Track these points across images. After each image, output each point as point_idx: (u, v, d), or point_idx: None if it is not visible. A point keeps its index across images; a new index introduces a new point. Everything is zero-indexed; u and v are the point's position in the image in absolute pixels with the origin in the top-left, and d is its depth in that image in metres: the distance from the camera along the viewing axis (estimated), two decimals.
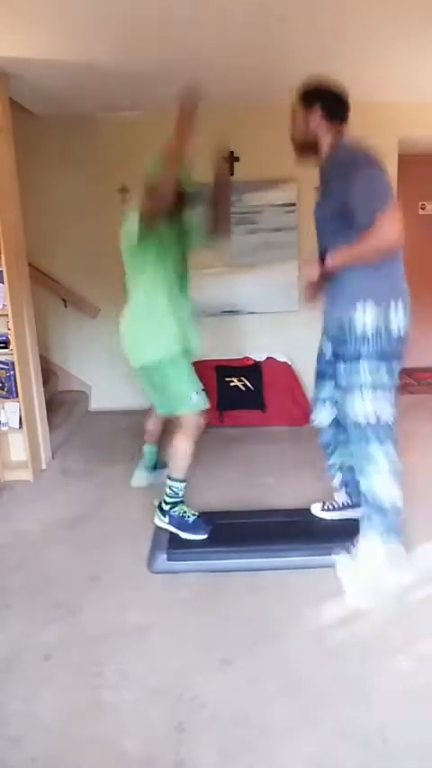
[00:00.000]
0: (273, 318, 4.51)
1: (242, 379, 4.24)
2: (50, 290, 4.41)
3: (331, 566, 2.29)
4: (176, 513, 2.46)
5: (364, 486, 2.15)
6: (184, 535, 2.43)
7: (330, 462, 2.50)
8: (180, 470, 2.45)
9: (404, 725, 1.59)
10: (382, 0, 2.40)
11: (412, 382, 5.18)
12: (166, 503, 2.48)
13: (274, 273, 4.38)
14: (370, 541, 2.17)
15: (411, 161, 4.63)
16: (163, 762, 1.50)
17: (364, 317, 2.01)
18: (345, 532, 2.41)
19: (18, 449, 3.37)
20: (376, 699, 1.68)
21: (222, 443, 3.80)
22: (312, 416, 2.44)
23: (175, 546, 2.39)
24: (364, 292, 2.01)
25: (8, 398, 3.20)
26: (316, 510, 2.58)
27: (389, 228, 1.84)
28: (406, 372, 5.38)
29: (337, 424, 2.35)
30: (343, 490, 2.53)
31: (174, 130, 2.08)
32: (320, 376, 2.36)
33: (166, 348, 2.38)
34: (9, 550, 2.57)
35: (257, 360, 4.36)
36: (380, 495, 2.11)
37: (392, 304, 2.02)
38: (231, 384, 4.23)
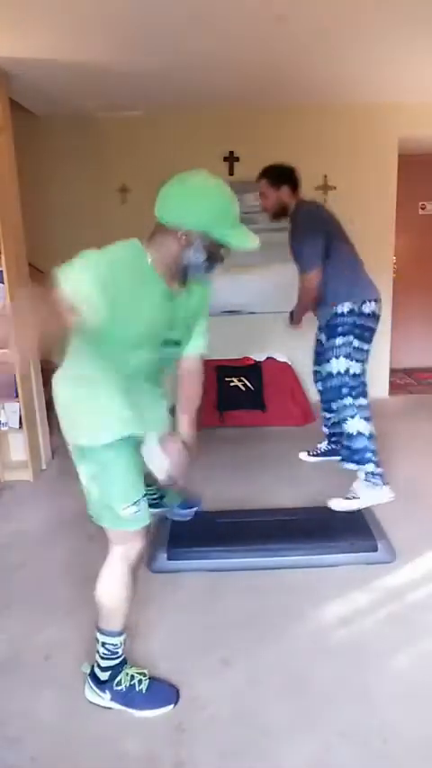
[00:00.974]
0: (273, 318, 4.50)
1: (242, 379, 4.24)
2: None
3: (331, 565, 2.29)
4: (119, 683, 1.67)
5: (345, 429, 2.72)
6: (139, 713, 1.65)
7: (325, 415, 3.20)
8: (113, 619, 1.66)
9: (404, 725, 1.59)
10: (382, 1, 2.40)
11: (412, 382, 5.18)
12: (102, 668, 1.68)
13: (274, 273, 4.38)
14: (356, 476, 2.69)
15: (411, 161, 4.63)
16: (163, 762, 1.50)
17: (343, 309, 2.70)
18: (345, 532, 2.42)
19: (18, 449, 3.37)
20: (376, 699, 1.68)
21: (222, 443, 3.80)
22: (316, 386, 3.14)
23: (176, 545, 2.38)
24: (339, 296, 2.71)
25: (8, 398, 3.20)
26: (303, 455, 3.37)
27: (306, 288, 2.79)
28: (406, 372, 5.38)
29: None
30: (326, 441, 3.31)
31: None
32: (318, 354, 3.08)
33: (96, 432, 1.55)
34: (9, 550, 2.57)
35: (257, 360, 4.36)
36: (356, 429, 2.66)
37: (354, 305, 2.67)
38: (231, 384, 4.22)
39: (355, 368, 2.67)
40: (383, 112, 4.14)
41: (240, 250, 1.45)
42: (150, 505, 1.75)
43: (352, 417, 2.64)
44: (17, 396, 3.18)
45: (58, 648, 1.93)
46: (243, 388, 4.22)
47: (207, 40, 2.80)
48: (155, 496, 2.01)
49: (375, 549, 2.33)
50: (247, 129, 4.19)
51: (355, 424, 2.63)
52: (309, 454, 3.37)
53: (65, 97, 3.70)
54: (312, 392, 4.34)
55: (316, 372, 3.12)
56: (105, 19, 2.51)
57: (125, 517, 1.58)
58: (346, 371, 2.66)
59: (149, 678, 1.70)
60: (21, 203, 3.34)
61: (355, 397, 2.65)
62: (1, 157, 3.11)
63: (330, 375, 2.71)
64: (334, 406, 2.80)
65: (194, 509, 1.97)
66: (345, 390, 2.66)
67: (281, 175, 2.81)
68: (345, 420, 2.67)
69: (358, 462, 2.64)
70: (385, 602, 2.09)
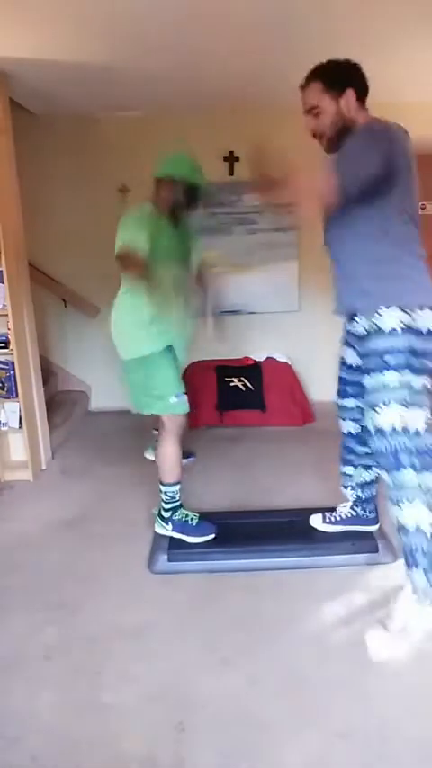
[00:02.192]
0: (273, 318, 4.51)
1: (242, 379, 4.24)
2: (50, 290, 4.41)
3: (332, 566, 2.29)
4: (177, 518, 2.42)
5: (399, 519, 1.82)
6: (190, 539, 2.38)
7: (345, 471, 2.31)
8: (171, 474, 2.39)
9: (404, 725, 1.59)
10: (382, 1, 2.40)
11: None
12: (165, 509, 2.42)
13: (274, 273, 4.38)
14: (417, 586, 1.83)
15: None
16: (163, 762, 1.50)
17: (391, 321, 1.75)
18: (345, 533, 2.41)
19: (18, 449, 3.37)
20: (376, 699, 1.68)
21: (222, 443, 3.80)
22: (340, 424, 2.26)
23: (176, 546, 2.38)
24: (389, 297, 1.77)
25: (8, 398, 3.20)
26: (316, 522, 2.40)
27: (321, 186, 1.65)
28: None
29: (360, 436, 2.16)
30: (349, 505, 2.37)
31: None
32: (343, 382, 2.16)
33: (149, 345, 2.31)
34: (9, 550, 2.57)
35: (257, 360, 4.36)
36: (414, 521, 1.77)
37: (405, 314, 1.76)
38: (231, 384, 4.22)
39: (417, 421, 1.76)
40: (384, 112, 4.11)
41: (203, 187, 2.34)
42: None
43: (410, 502, 1.74)
44: (17, 396, 3.18)
45: (58, 648, 1.93)
46: (243, 388, 4.22)
47: (207, 40, 2.80)
48: None
49: (376, 550, 2.33)
50: (247, 129, 4.19)
51: (413, 514, 1.75)
52: (324, 521, 2.40)
53: (65, 97, 3.70)
54: (312, 392, 4.37)
55: (341, 408, 2.21)
56: (105, 19, 2.51)
57: (174, 404, 2.32)
58: (404, 429, 1.75)
59: (198, 517, 2.42)
60: (21, 203, 3.34)
61: (419, 471, 1.76)
62: (1, 157, 3.11)
63: (380, 433, 1.78)
64: (387, 479, 1.83)
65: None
66: (404, 459, 1.75)
67: (342, 73, 1.85)
68: (398, 503, 1.78)
69: (408, 565, 1.84)
70: (385, 603, 2.09)
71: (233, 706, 1.67)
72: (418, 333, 1.75)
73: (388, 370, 1.76)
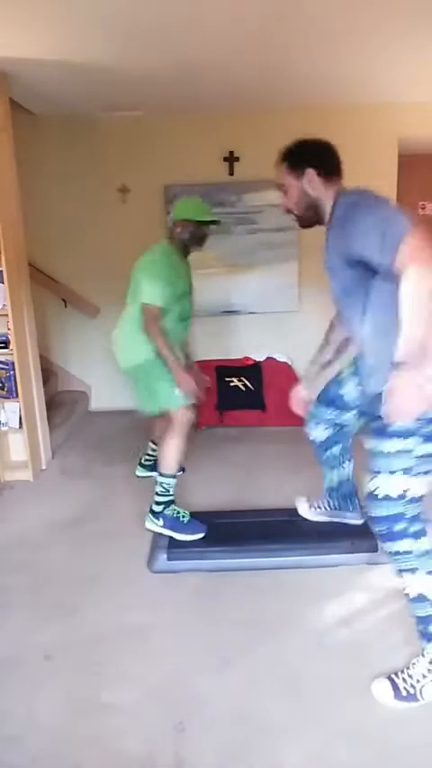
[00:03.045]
0: (273, 318, 4.51)
1: (242, 379, 4.24)
2: (50, 290, 4.41)
3: (331, 565, 2.29)
4: (169, 513, 2.45)
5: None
6: (179, 536, 2.41)
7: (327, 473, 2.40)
8: (171, 466, 2.46)
9: (404, 725, 1.59)
10: (382, 1, 2.40)
11: None
12: (158, 502, 2.47)
13: (274, 273, 4.38)
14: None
15: (411, 161, 4.62)
16: (163, 762, 1.50)
17: None
18: (345, 532, 2.41)
19: (18, 449, 3.37)
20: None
21: (222, 443, 3.80)
22: (309, 429, 2.34)
23: (176, 546, 2.39)
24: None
25: (8, 398, 3.20)
26: (302, 508, 2.48)
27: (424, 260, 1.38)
28: None
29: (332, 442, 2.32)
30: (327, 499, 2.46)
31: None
32: (329, 396, 2.16)
33: (153, 350, 2.49)
34: (9, 550, 2.57)
35: (257, 360, 4.36)
36: (417, 591, 1.68)
37: None
38: (231, 384, 4.22)
39: (418, 487, 1.64)
40: (383, 112, 4.14)
41: (209, 224, 2.61)
42: (147, 467, 3.18)
43: (412, 573, 1.65)
44: (17, 396, 3.18)
45: (58, 648, 1.93)
46: (243, 388, 4.22)
47: (207, 40, 2.80)
48: (153, 459, 3.08)
49: (376, 550, 2.33)
50: (247, 129, 4.19)
51: (418, 584, 1.65)
52: (311, 507, 2.50)
53: (65, 97, 3.70)
54: (312, 392, 4.36)
55: (315, 415, 2.26)
56: (105, 19, 2.50)
57: (179, 395, 2.46)
58: (403, 495, 1.63)
59: (189, 515, 2.47)
60: (21, 203, 3.34)
61: (416, 537, 1.65)
62: (1, 157, 3.11)
63: (374, 497, 1.66)
64: (386, 546, 1.70)
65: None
66: (402, 526, 1.64)
67: (303, 153, 1.79)
68: (399, 573, 1.70)
69: (424, 638, 1.71)
70: (385, 603, 2.09)
71: (233, 706, 1.67)
72: None
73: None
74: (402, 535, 1.65)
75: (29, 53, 2.88)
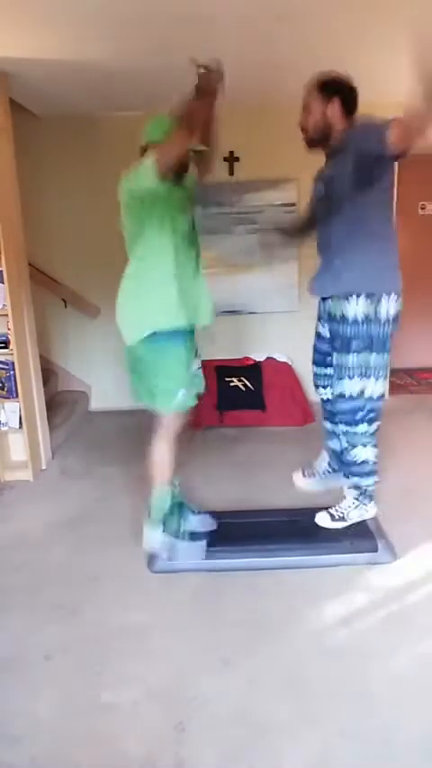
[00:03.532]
0: (273, 318, 4.51)
1: (242, 379, 4.24)
2: (50, 290, 4.41)
3: (331, 565, 2.29)
4: (170, 530, 2.25)
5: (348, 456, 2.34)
6: (180, 559, 2.26)
7: (327, 426, 2.56)
8: (163, 477, 2.23)
9: (404, 725, 1.59)
10: (382, 1, 2.40)
11: (412, 382, 5.18)
12: (153, 518, 2.25)
13: (274, 273, 4.38)
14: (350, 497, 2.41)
15: (411, 161, 4.59)
16: (163, 762, 1.50)
17: (356, 309, 2.13)
18: (345, 532, 2.41)
19: (18, 449, 3.37)
20: (376, 699, 1.68)
21: (222, 443, 3.80)
22: (318, 392, 2.56)
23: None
24: (358, 285, 2.11)
25: (8, 398, 3.20)
26: (297, 478, 2.69)
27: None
28: (406, 372, 5.38)
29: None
30: (326, 461, 2.65)
31: (190, 111, 2.05)
32: (317, 352, 2.52)
33: (164, 320, 2.07)
34: (9, 550, 2.57)
35: (257, 360, 4.36)
36: (363, 456, 2.31)
37: (384, 297, 2.11)
38: (231, 384, 4.22)
39: (374, 388, 2.20)
40: (383, 112, 4.12)
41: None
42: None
43: (363, 446, 2.27)
44: (17, 396, 3.18)
45: (58, 648, 1.93)
46: (243, 388, 4.22)
47: (207, 40, 2.79)
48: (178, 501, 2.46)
49: (376, 550, 2.33)
50: (247, 129, 4.19)
51: (365, 453, 2.28)
52: (305, 475, 2.71)
53: (65, 97, 3.70)
54: (312, 392, 4.35)
55: (318, 376, 2.52)
56: (105, 19, 2.51)
57: (180, 400, 2.14)
58: (361, 393, 2.19)
59: (190, 534, 2.27)
60: (21, 203, 3.34)
61: (369, 423, 2.24)
62: (1, 157, 3.11)
63: (342, 397, 2.23)
64: (342, 429, 2.31)
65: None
66: (359, 416, 2.22)
67: (336, 85, 2.13)
68: (353, 446, 2.29)
69: (353, 475, 2.36)
70: (385, 603, 2.09)
71: (233, 706, 1.67)
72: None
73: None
74: (360, 421, 2.23)
75: (29, 53, 2.88)
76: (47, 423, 3.57)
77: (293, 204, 4.26)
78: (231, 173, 4.28)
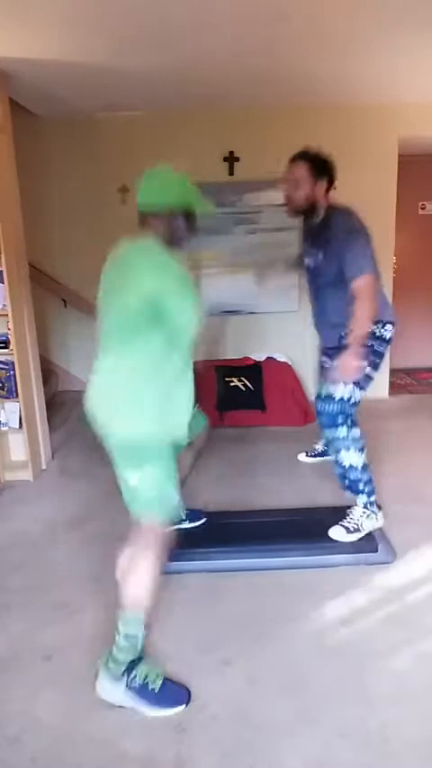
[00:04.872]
0: (273, 318, 4.51)
1: (242, 379, 4.24)
2: (50, 290, 4.41)
3: (331, 565, 2.29)
4: (137, 680, 1.65)
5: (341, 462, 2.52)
6: (151, 712, 1.63)
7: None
8: (140, 608, 1.64)
9: (405, 725, 1.59)
10: (382, 1, 2.40)
11: (412, 382, 5.18)
12: (118, 661, 1.65)
13: (275, 273, 4.38)
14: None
15: (411, 161, 4.63)
16: (163, 762, 1.50)
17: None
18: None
19: (18, 449, 3.37)
20: (376, 699, 1.68)
21: (222, 443, 3.80)
22: (316, 405, 2.74)
23: (175, 546, 2.38)
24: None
25: (8, 398, 3.20)
26: (302, 457, 3.32)
27: (366, 291, 2.25)
28: (406, 372, 5.38)
29: None
30: (322, 441, 3.15)
31: None
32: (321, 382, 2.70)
33: (169, 428, 1.78)
34: (9, 550, 2.57)
35: (257, 360, 4.36)
36: (349, 461, 2.48)
37: (376, 328, 2.40)
38: (231, 384, 4.22)
39: (357, 396, 2.43)
40: (383, 112, 4.14)
41: (206, 215, 1.86)
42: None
43: (347, 450, 2.44)
44: (17, 396, 3.18)
45: (58, 648, 1.93)
46: (243, 388, 4.22)
47: (207, 40, 2.80)
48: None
49: (376, 550, 2.34)
50: (247, 129, 4.20)
51: (349, 457, 2.44)
52: (307, 455, 3.32)
53: (65, 97, 3.70)
54: (312, 392, 4.36)
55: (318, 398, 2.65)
56: (106, 19, 2.51)
57: (173, 507, 1.76)
58: (349, 399, 2.40)
59: (163, 677, 1.70)
60: (21, 203, 3.34)
61: (350, 427, 2.43)
62: (1, 157, 3.11)
63: (330, 398, 2.40)
64: (327, 434, 2.51)
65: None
66: (340, 419, 2.41)
67: (325, 167, 2.37)
68: (338, 451, 2.47)
69: (353, 492, 2.48)
70: (385, 603, 2.09)
71: (233, 706, 1.67)
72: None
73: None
74: (341, 425, 2.41)
75: (29, 53, 2.88)
76: (47, 423, 3.57)
77: None
78: (231, 173, 4.28)
